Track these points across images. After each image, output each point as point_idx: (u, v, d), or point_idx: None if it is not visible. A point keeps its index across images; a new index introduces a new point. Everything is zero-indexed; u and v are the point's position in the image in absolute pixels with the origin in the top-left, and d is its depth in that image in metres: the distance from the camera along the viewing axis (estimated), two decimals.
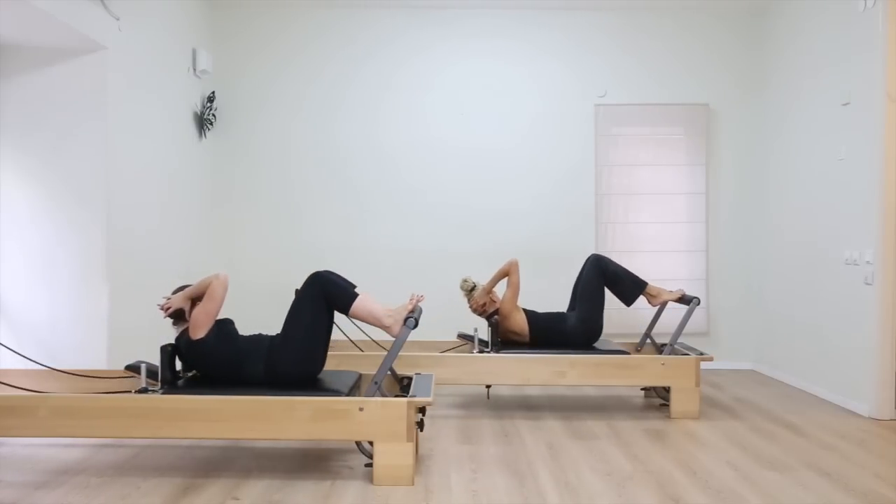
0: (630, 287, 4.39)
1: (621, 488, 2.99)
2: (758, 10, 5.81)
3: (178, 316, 3.25)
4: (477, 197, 5.85)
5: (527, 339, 4.36)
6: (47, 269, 4.11)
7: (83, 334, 4.09)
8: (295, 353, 3.13)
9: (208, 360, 3.18)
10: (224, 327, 3.24)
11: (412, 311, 3.13)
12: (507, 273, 4.36)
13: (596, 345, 4.42)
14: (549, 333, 4.34)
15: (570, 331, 4.32)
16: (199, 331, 3.16)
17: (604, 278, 4.39)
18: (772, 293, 5.58)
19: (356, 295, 3.13)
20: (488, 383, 4.12)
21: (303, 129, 5.84)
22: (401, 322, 3.12)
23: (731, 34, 5.88)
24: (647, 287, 4.42)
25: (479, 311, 4.45)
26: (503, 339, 4.40)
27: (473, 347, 4.33)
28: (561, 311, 4.61)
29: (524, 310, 4.41)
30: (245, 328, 5.57)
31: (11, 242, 4.11)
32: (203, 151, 5.63)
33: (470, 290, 4.43)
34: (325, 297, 3.13)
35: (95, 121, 4.10)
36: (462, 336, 4.62)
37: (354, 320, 3.21)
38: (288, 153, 5.84)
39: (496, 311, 4.40)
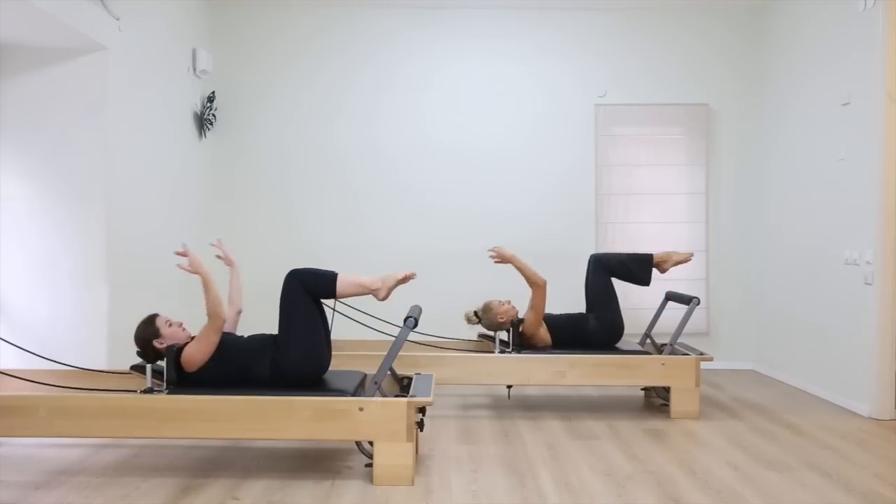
0: (639, 267, 4.34)
1: (621, 488, 2.99)
2: (758, 9, 5.81)
3: (153, 354, 3.18)
4: (476, 197, 5.85)
5: (550, 345, 4.34)
6: (47, 268, 4.11)
7: (83, 334, 4.09)
8: (298, 353, 3.12)
9: (212, 379, 3.18)
10: (219, 350, 3.19)
11: (412, 312, 3.13)
12: (533, 282, 4.24)
13: (618, 345, 4.39)
14: (572, 335, 4.32)
15: (592, 332, 4.31)
16: (192, 367, 3.14)
17: (609, 275, 4.36)
18: (772, 293, 5.58)
19: (335, 274, 3.13)
20: (509, 384, 4.13)
21: (302, 129, 5.84)
22: (389, 285, 3.13)
23: (730, 34, 5.88)
24: (654, 258, 4.39)
25: (499, 326, 4.33)
26: (527, 347, 4.36)
27: (494, 347, 4.32)
28: (581, 311, 4.57)
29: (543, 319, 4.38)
30: (244, 328, 5.56)
31: (11, 242, 4.11)
32: (203, 151, 5.63)
33: (478, 321, 4.38)
34: (306, 290, 3.12)
35: (95, 120, 4.10)
36: (483, 336, 4.61)
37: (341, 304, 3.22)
38: (287, 153, 5.84)
39: (520, 321, 4.36)
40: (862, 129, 4.38)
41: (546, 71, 5.86)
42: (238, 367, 3.16)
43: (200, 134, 5.55)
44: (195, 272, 3.12)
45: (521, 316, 4.46)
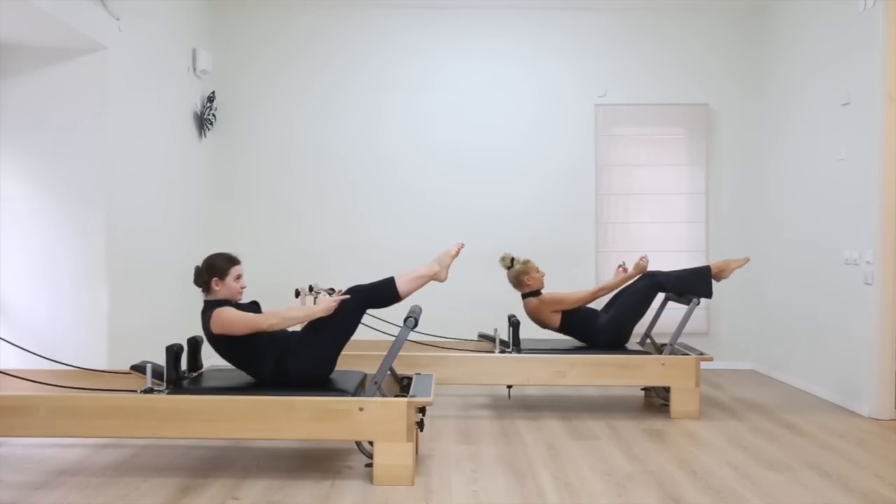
0: (700, 280, 4.30)
1: (621, 488, 2.99)
2: (758, 9, 5.81)
3: (204, 286, 3.23)
4: (476, 197, 5.85)
5: (556, 328, 4.36)
6: (47, 268, 4.11)
7: (83, 334, 4.09)
8: (312, 355, 3.13)
9: (224, 345, 3.15)
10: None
11: (412, 312, 3.13)
12: (602, 294, 4.34)
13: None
14: (579, 325, 4.33)
15: (599, 329, 4.31)
16: (218, 328, 3.10)
17: (659, 291, 4.33)
18: (772, 293, 5.58)
19: (392, 279, 3.19)
20: (509, 384, 4.15)
21: (303, 129, 5.84)
22: (447, 264, 3.24)
23: (730, 34, 5.88)
24: (713, 269, 4.35)
25: (521, 286, 4.38)
26: (532, 319, 4.39)
27: (494, 347, 4.32)
28: (595, 308, 4.55)
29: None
30: None
31: (11, 242, 4.11)
32: (203, 151, 5.63)
33: (510, 266, 4.37)
34: (367, 306, 3.15)
35: (95, 120, 4.10)
36: (483, 336, 4.61)
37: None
38: (288, 153, 5.84)
39: (532, 293, 4.37)
40: (862, 129, 4.38)
41: (546, 71, 5.86)
42: (251, 348, 3.13)
43: (200, 134, 5.55)
44: (321, 307, 3.08)
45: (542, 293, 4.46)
